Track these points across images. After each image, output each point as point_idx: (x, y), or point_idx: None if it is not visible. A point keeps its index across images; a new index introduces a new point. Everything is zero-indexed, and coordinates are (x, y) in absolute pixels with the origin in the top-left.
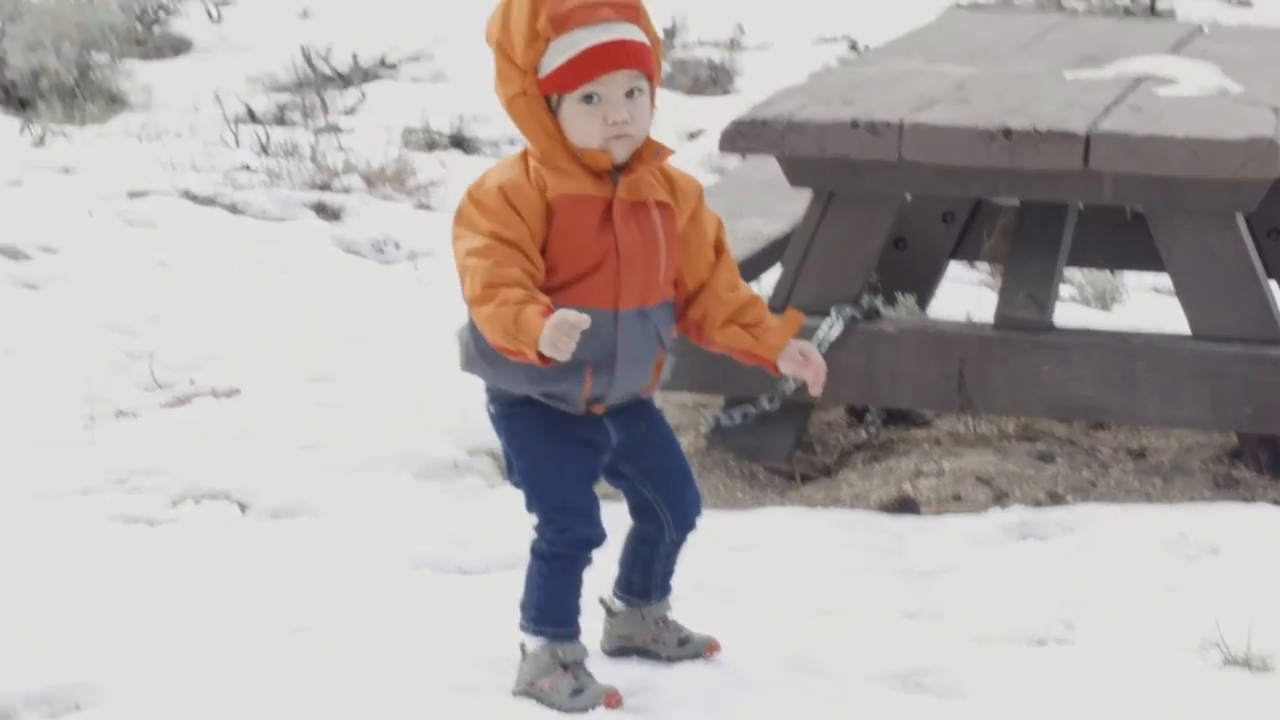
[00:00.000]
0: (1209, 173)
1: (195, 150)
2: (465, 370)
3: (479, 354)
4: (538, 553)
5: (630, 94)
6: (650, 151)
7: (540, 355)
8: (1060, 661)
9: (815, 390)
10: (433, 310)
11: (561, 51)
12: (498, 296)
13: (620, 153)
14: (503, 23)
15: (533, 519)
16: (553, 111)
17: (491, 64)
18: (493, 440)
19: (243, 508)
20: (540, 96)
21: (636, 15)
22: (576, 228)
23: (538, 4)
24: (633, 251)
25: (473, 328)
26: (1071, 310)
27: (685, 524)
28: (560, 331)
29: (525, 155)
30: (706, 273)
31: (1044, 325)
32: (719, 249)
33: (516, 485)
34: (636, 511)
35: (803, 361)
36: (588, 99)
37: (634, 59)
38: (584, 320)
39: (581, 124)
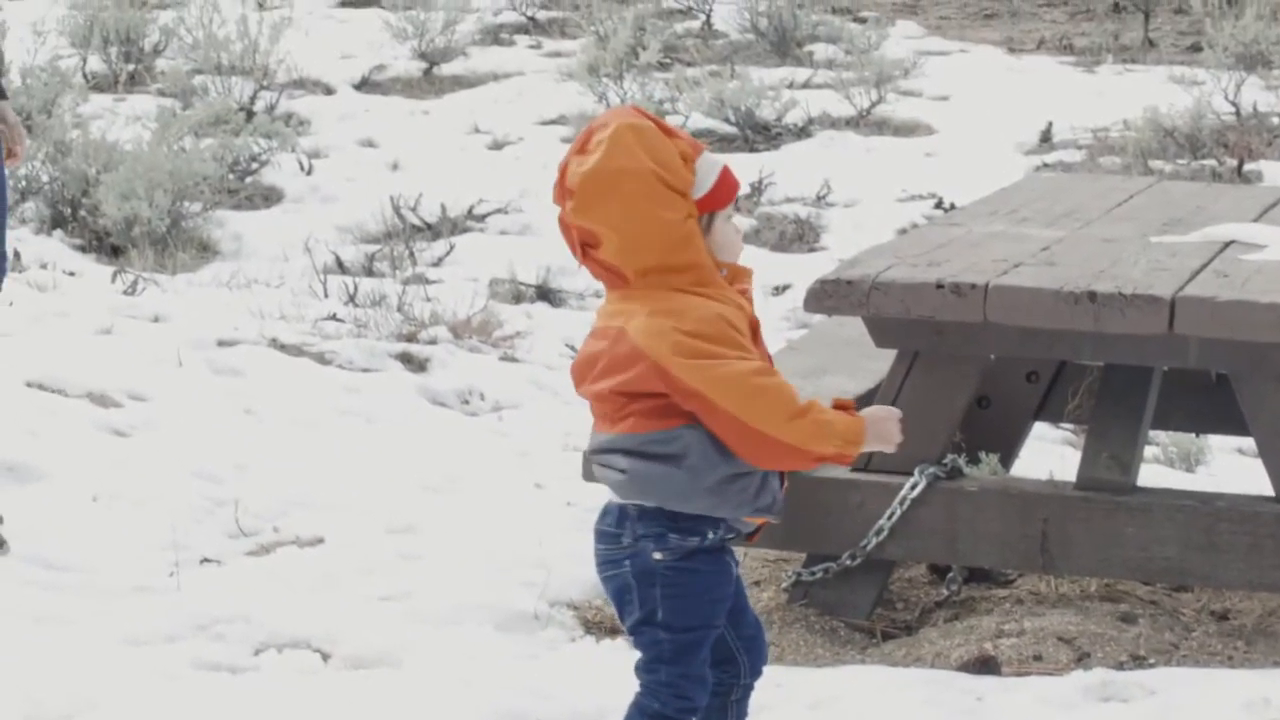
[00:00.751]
0: None
1: (284, 299)
2: (680, 508)
3: (708, 487)
4: (647, 712)
5: None
6: (743, 269)
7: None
8: None
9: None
10: (516, 462)
11: (708, 172)
12: (814, 408)
13: None
14: (649, 152)
15: (649, 674)
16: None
17: (629, 198)
18: (573, 592)
19: (324, 657)
20: (697, 217)
21: None
22: (759, 342)
23: (665, 130)
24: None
25: (706, 459)
26: (1155, 471)
27: (758, 669)
28: (889, 424)
29: (680, 288)
30: None
31: (1127, 486)
32: None
33: (638, 635)
34: (713, 656)
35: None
36: (729, 216)
37: None
38: (896, 411)
39: (730, 239)
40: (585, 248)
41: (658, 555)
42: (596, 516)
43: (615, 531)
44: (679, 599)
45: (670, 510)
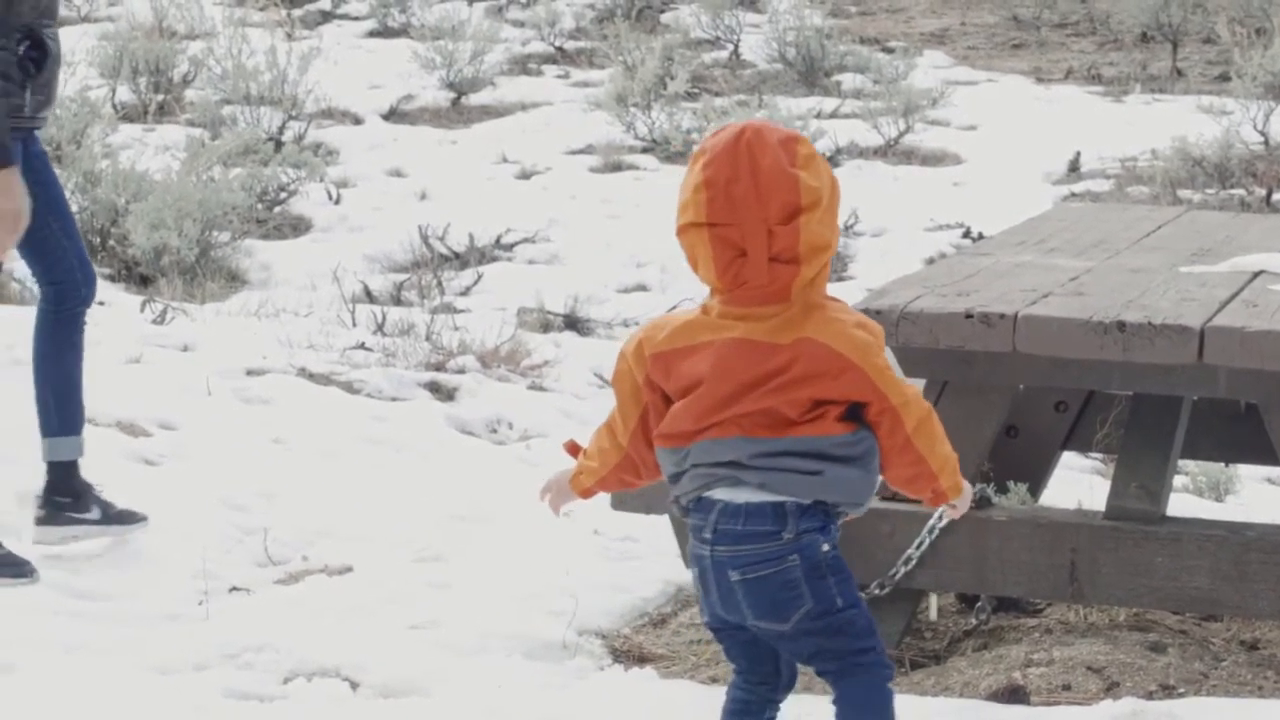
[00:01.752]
0: None
1: (312, 329)
2: (853, 507)
3: (874, 488)
4: (886, 679)
5: None
6: None
7: None
8: None
9: None
10: None
11: None
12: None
13: None
14: (821, 171)
15: (864, 644)
16: None
17: (818, 219)
18: (602, 621)
19: (353, 686)
20: None
21: None
22: None
23: None
24: None
25: (876, 461)
26: (1184, 501)
27: (793, 683)
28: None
29: (827, 295)
30: None
31: (1156, 516)
32: None
33: (822, 622)
34: (760, 671)
35: None
36: None
37: None
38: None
39: None
40: (775, 262)
41: (825, 546)
42: (718, 518)
43: (772, 529)
44: (847, 579)
45: (825, 505)
